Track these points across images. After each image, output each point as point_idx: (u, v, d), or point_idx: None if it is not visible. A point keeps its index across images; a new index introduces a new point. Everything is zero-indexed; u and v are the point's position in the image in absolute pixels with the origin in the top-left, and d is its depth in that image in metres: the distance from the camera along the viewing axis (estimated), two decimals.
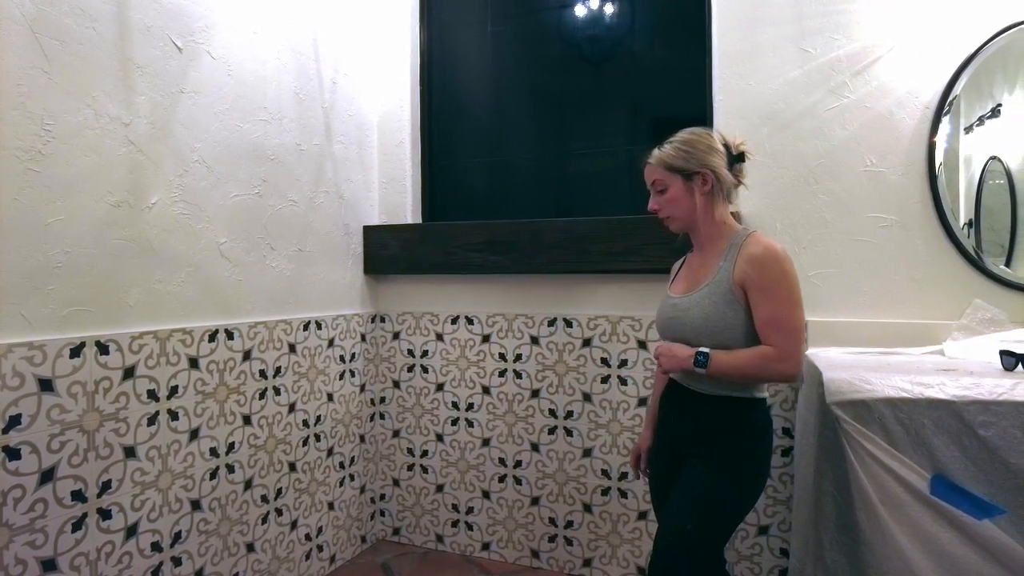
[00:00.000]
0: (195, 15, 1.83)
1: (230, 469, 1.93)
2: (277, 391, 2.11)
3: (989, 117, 2.01)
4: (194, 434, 1.81)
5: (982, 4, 1.95)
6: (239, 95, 1.99)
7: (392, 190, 2.64)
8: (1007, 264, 1.99)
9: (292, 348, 2.17)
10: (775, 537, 2.12)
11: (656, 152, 1.59)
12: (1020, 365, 1.63)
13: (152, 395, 1.69)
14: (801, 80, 2.12)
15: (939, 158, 2.01)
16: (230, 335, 1.93)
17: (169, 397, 1.74)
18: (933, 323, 1.99)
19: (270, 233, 2.10)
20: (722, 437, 1.50)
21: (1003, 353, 1.68)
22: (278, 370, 2.12)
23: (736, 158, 1.56)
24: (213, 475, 1.87)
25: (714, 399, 1.52)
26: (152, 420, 1.69)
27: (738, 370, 1.45)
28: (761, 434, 1.54)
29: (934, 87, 2.00)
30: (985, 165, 2.00)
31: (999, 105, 1.99)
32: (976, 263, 1.99)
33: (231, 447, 1.94)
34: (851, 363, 1.79)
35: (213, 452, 1.87)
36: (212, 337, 1.87)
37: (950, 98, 1.99)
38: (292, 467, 2.18)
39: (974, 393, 1.49)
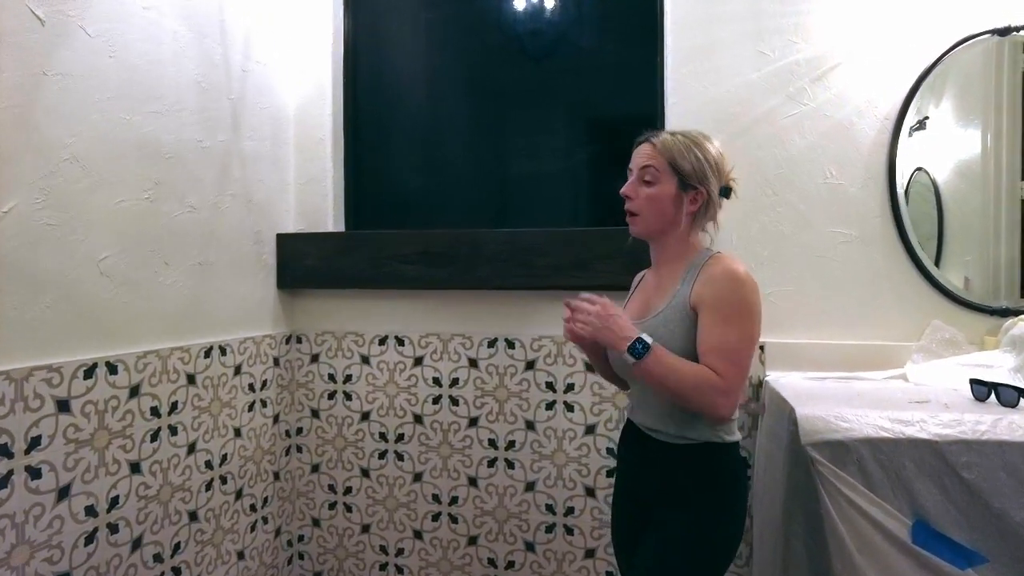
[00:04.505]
0: None
1: (112, 529, 1.62)
2: (173, 430, 1.80)
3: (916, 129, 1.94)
4: (63, 493, 1.49)
5: (941, 15, 1.88)
6: (126, 81, 1.67)
7: (311, 192, 2.35)
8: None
9: (191, 379, 1.86)
10: (731, 574, 1.99)
11: (667, 137, 1.36)
12: (992, 395, 1.55)
13: (3, 451, 1.36)
14: (759, 84, 2.00)
15: (899, 171, 1.92)
16: (112, 369, 1.62)
17: (28, 451, 1.41)
18: (893, 344, 1.90)
19: (164, 245, 1.79)
20: (693, 492, 1.33)
21: (973, 382, 1.60)
22: (174, 406, 1.81)
23: (722, 190, 1.38)
24: (89, 539, 1.56)
25: (681, 448, 1.34)
26: (3, 482, 1.36)
27: (673, 381, 1.24)
28: (735, 483, 1.38)
29: (894, 97, 1.92)
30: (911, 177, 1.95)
31: (926, 118, 1.94)
32: (935, 282, 1.91)
33: (114, 502, 1.62)
34: (818, 393, 1.67)
35: (90, 511, 1.56)
36: (89, 373, 1.55)
37: (912, 108, 1.91)
38: (193, 516, 1.87)
39: (956, 432, 1.38)
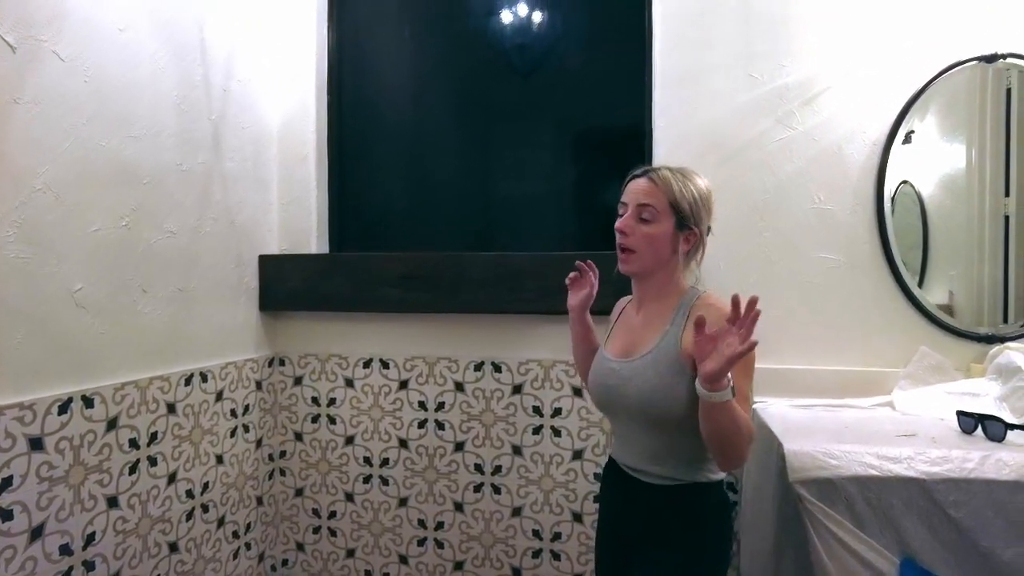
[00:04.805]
0: (34, 4, 1.46)
1: (88, 567, 1.58)
2: (152, 461, 1.77)
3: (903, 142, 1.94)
4: (36, 534, 1.45)
5: (929, 42, 1.88)
6: (101, 106, 1.63)
7: (294, 212, 2.31)
8: (919, 285, 1.95)
9: (171, 408, 1.82)
10: None
11: (666, 174, 1.34)
12: (979, 427, 1.55)
13: None
14: (747, 107, 1.98)
15: (887, 197, 1.92)
16: (88, 402, 1.58)
17: None
18: (880, 371, 1.90)
19: (142, 272, 1.75)
20: (679, 533, 1.31)
21: (961, 414, 1.60)
22: (153, 436, 1.77)
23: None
24: None
25: (667, 489, 1.32)
26: None
27: (739, 425, 1.17)
28: (720, 522, 1.36)
29: (883, 122, 1.91)
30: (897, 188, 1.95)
31: (911, 132, 1.93)
32: (922, 308, 1.91)
33: (90, 539, 1.58)
34: (806, 425, 1.66)
35: (64, 550, 1.52)
36: (63, 408, 1.51)
37: (900, 134, 1.91)
38: (173, 548, 1.84)
39: (944, 469, 1.38)
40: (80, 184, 1.57)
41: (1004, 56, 1.84)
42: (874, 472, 1.39)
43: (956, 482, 1.36)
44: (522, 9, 2.33)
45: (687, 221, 1.32)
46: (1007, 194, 1.90)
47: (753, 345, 1.09)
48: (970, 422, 1.57)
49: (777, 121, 1.96)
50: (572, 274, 1.55)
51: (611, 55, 2.25)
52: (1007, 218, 1.91)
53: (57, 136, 1.52)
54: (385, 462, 2.20)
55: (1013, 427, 1.50)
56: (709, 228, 1.39)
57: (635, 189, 1.36)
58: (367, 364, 2.21)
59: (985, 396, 1.75)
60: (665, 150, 2.03)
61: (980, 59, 1.86)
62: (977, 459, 1.38)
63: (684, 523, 1.31)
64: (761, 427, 1.72)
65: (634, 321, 1.43)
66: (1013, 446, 1.45)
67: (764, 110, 1.97)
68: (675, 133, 2.03)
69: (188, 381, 1.89)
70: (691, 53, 2.02)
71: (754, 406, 1.86)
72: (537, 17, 2.33)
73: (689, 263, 1.38)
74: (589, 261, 1.55)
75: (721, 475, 1.37)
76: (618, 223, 1.36)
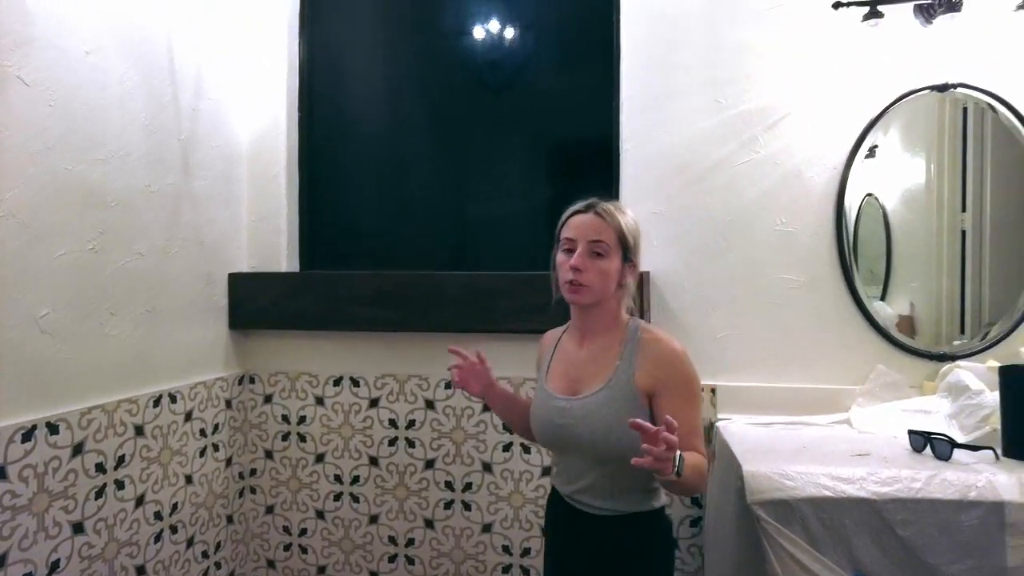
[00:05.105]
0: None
1: None
2: (120, 485, 1.76)
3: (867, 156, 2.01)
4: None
5: (884, 71, 1.94)
6: (68, 130, 1.62)
7: (264, 230, 2.31)
8: (882, 297, 2.03)
9: (139, 430, 1.82)
10: None
11: (610, 208, 1.36)
12: (928, 446, 1.61)
13: None
14: (713, 131, 2.04)
15: (848, 219, 1.98)
16: (53, 429, 1.57)
17: None
18: (839, 388, 1.96)
19: (110, 295, 1.74)
20: (625, 566, 1.35)
21: (911, 433, 1.66)
22: (121, 460, 1.76)
23: None
24: None
25: (612, 520, 1.36)
26: None
27: (697, 479, 1.24)
28: (663, 550, 1.42)
29: (842, 147, 1.97)
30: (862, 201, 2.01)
31: (875, 146, 2.00)
32: (880, 328, 1.98)
33: (55, 566, 1.57)
34: (766, 444, 1.71)
35: None
36: (27, 436, 1.50)
37: (858, 158, 1.97)
38: (141, 571, 1.83)
39: (893, 490, 1.44)
40: (46, 209, 1.56)
41: (955, 86, 1.91)
42: (828, 493, 1.45)
43: (904, 502, 1.42)
44: (494, 26, 2.35)
45: (630, 254, 1.37)
46: (963, 209, 1.98)
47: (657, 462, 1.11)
48: (920, 440, 1.63)
49: (741, 145, 2.02)
50: (455, 379, 1.57)
51: (581, 75, 2.28)
52: (964, 233, 1.98)
53: (22, 161, 1.51)
54: (356, 479, 2.21)
55: (959, 446, 1.57)
56: None
57: (583, 225, 1.36)
58: (337, 382, 2.22)
59: (937, 413, 1.82)
60: (633, 171, 2.07)
61: (933, 88, 1.93)
62: (924, 479, 1.45)
63: (629, 554, 1.35)
64: (722, 446, 1.77)
65: (577, 355, 1.43)
66: (959, 465, 1.51)
67: (729, 134, 2.02)
68: (642, 154, 2.07)
69: (157, 402, 1.88)
70: (659, 76, 2.07)
71: (716, 423, 1.92)
72: (509, 34, 2.35)
73: (628, 295, 1.42)
74: (465, 354, 1.58)
75: (664, 501, 1.41)
76: (573, 261, 1.34)
